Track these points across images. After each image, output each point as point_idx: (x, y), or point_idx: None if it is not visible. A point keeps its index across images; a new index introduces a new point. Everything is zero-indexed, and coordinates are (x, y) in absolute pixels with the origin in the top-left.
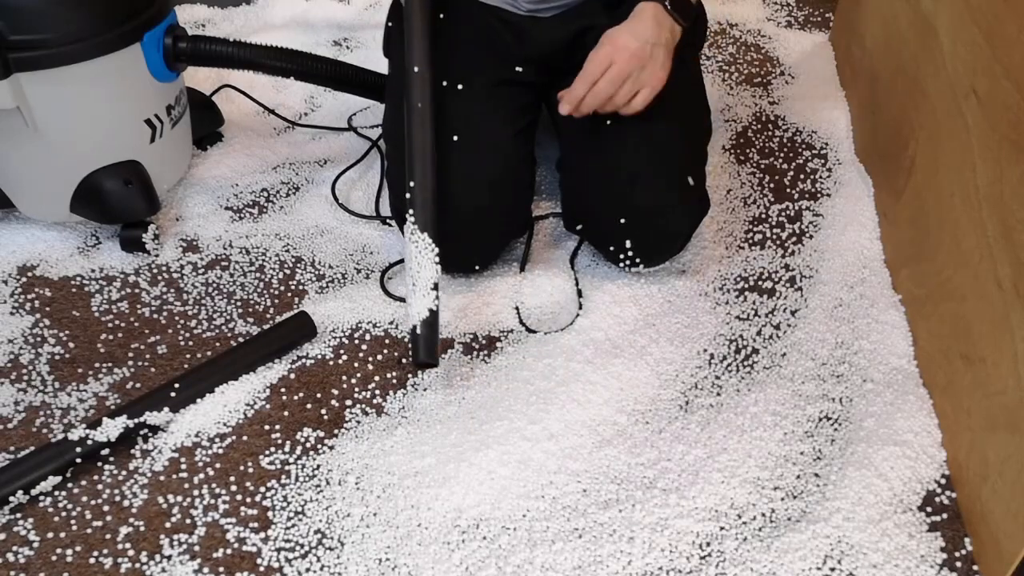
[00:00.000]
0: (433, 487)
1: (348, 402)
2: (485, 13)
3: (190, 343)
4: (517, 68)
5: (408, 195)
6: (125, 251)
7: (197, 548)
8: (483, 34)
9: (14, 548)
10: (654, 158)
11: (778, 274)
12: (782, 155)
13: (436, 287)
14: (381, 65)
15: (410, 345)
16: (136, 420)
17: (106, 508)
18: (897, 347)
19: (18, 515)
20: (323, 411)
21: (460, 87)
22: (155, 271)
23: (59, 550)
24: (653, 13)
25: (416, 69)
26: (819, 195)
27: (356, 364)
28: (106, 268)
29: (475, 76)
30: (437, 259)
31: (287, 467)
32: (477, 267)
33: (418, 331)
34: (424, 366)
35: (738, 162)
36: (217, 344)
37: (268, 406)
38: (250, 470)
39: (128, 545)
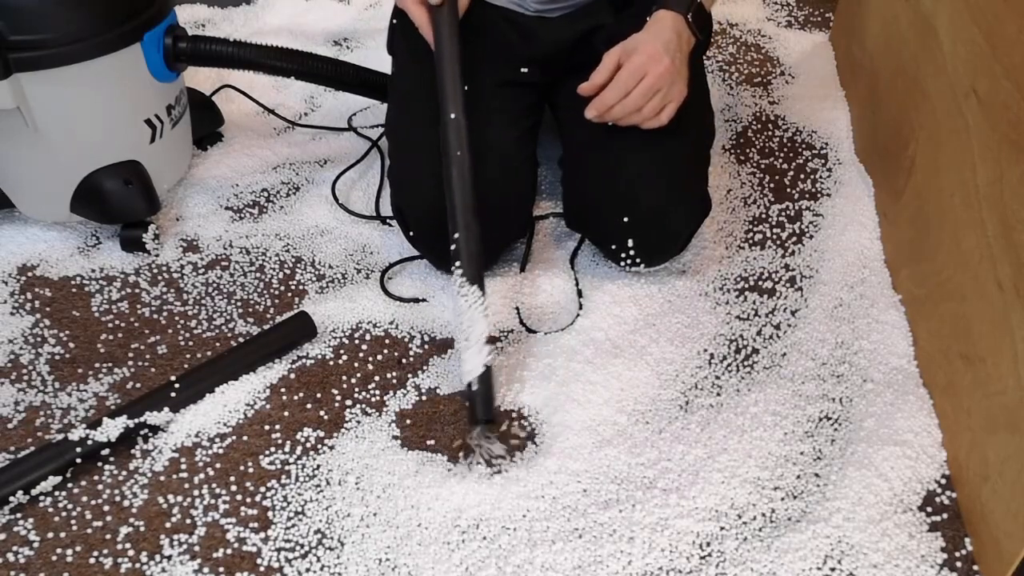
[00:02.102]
0: (433, 487)
1: (348, 402)
2: (491, 13)
3: (190, 343)
4: (522, 69)
5: (453, 247)
6: (125, 251)
7: (197, 548)
8: (489, 34)
9: (14, 548)
10: (657, 158)
11: (778, 274)
12: (782, 155)
13: (490, 340)
14: (381, 64)
15: (466, 403)
16: (136, 420)
17: (106, 508)
18: (897, 347)
19: (18, 515)
20: (323, 411)
21: (465, 88)
22: (155, 271)
23: (59, 550)
24: (673, 24)
25: (453, 116)
26: (819, 195)
27: (356, 364)
28: (106, 268)
29: (480, 77)
30: (487, 312)
31: (287, 467)
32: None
33: (474, 388)
34: (481, 423)
35: (738, 162)
36: (217, 344)
37: (268, 406)
38: (250, 470)
39: (128, 545)
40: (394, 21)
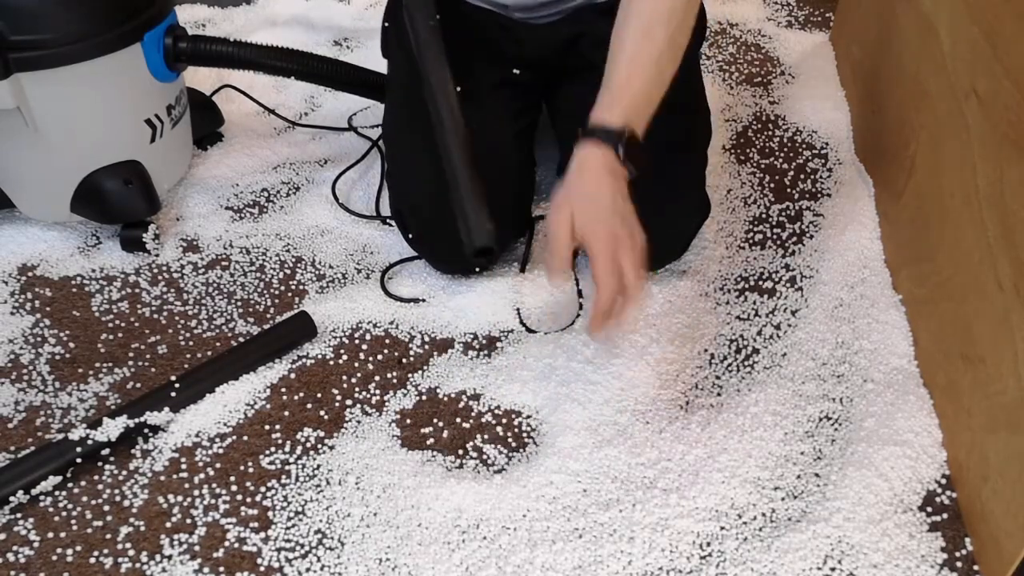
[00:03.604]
0: (433, 487)
1: (348, 402)
2: (481, 16)
3: (190, 343)
4: (514, 70)
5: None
6: (125, 251)
7: (197, 548)
8: (480, 36)
9: (14, 548)
10: (654, 162)
11: (778, 274)
12: (782, 155)
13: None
14: (381, 65)
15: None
16: (136, 420)
17: (106, 508)
18: (897, 347)
19: (18, 515)
20: (323, 411)
21: (459, 89)
22: (155, 271)
23: (59, 550)
24: (604, 163)
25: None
26: (819, 195)
27: (356, 364)
28: (106, 268)
29: (473, 77)
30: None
31: (287, 467)
32: (477, 267)
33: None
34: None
35: (738, 162)
36: (217, 344)
37: (268, 406)
38: (250, 470)
39: (128, 545)
40: (386, 24)
